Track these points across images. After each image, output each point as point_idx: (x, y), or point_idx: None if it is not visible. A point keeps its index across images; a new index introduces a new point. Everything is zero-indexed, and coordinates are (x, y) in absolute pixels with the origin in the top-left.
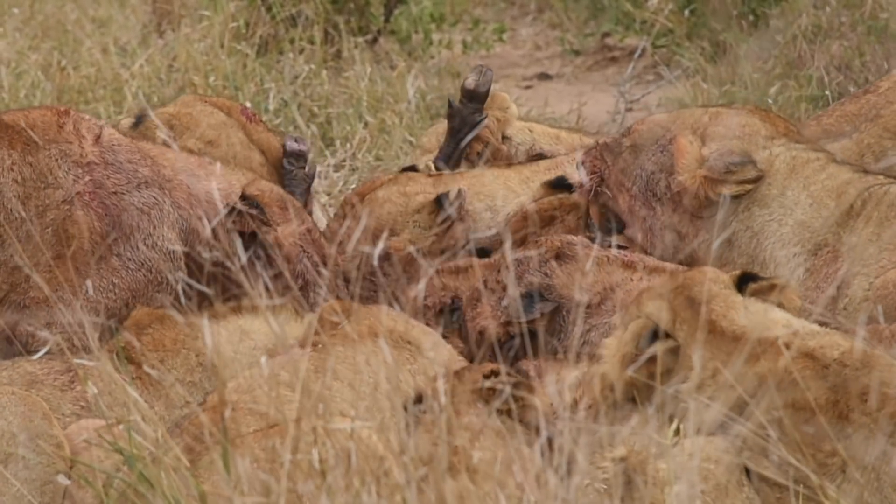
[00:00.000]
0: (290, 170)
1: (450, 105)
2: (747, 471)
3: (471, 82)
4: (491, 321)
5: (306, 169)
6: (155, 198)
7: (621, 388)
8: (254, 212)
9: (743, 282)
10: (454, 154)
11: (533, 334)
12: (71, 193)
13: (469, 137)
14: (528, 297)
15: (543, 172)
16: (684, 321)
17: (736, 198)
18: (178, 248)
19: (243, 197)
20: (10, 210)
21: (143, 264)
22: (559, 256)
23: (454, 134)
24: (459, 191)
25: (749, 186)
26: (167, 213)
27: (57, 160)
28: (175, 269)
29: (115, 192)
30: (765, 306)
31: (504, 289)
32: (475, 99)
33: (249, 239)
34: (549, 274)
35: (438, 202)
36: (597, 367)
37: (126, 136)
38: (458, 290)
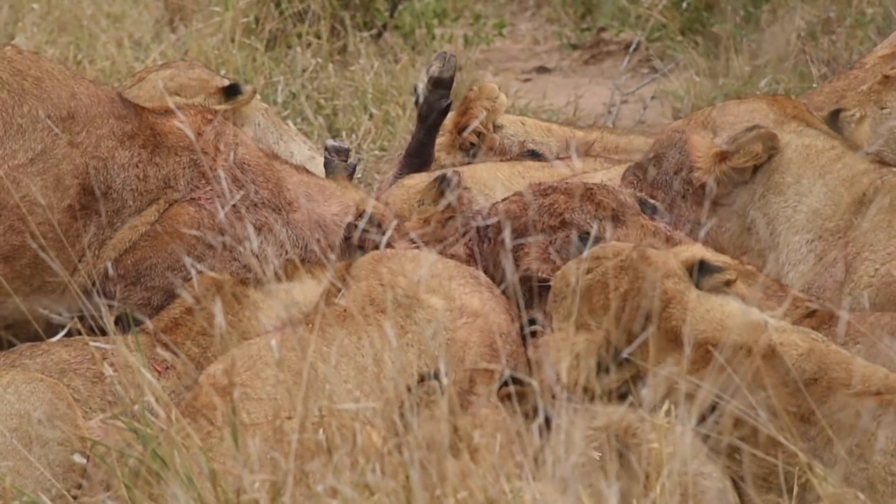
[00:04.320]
0: (330, 160)
1: (416, 92)
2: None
3: (435, 69)
4: (538, 262)
5: (347, 161)
6: (266, 217)
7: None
8: (374, 230)
9: (700, 269)
10: (426, 140)
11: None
12: (186, 198)
13: (472, 127)
14: (584, 239)
15: (537, 170)
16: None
17: (753, 182)
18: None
19: (361, 215)
20: (125, 201)
21: (244, 267)
22: (613, 218)
23: (423, 120)
24: (456, 172)
25: (759, 151)
26: (277, 232)
27: (184, 167)
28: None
29: (233, 205)
30: (721, 301)
31: (555, 229)
32: (440, 85)
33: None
34: (601, 231)
35: (439, 180)
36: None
37: (261, 151)
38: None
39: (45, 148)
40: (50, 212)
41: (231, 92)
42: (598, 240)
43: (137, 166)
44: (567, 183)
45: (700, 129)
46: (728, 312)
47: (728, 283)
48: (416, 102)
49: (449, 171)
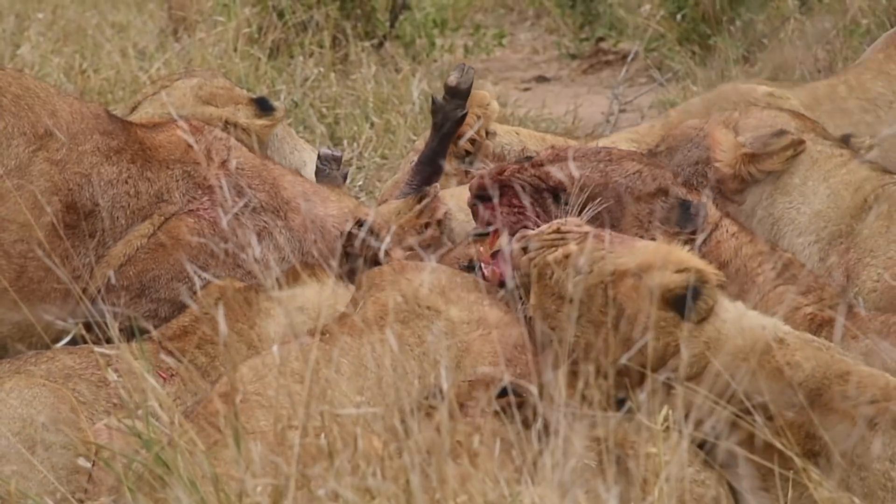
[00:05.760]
0: (322, 168)
1: (433, 102)
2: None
3: (453, 79)
4: (636, 229)
5: (339, 168)
6: (266, 222)
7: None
8: (372, 238)
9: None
10: (439, 149)
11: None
12: (184, 210)
13: (468, 135)
14: (688, 206)
15: None
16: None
17: (764, 182)
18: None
19: (359, 223)
20: (116, 218)
21: (247, 274)
22: (685, 184)
23: (437, 129)
24: (433, 187)
25: (790, 153)
26: (277, 236)
27: (178, 180)
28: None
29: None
30: (717, 326)
31: (652, 196)
32: (457, 95)
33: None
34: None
35: (417, 192)
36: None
37: (253, 154)
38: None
39: (21, 164)
40: (30, 229)
41: (261, 105)
42: (692, 208)
43: (127, 182)
44: (616, 149)
45: (722, 126)
46: (726, 333)
47: (711, 309)
48: (433, 112)
49: (427, 188)
